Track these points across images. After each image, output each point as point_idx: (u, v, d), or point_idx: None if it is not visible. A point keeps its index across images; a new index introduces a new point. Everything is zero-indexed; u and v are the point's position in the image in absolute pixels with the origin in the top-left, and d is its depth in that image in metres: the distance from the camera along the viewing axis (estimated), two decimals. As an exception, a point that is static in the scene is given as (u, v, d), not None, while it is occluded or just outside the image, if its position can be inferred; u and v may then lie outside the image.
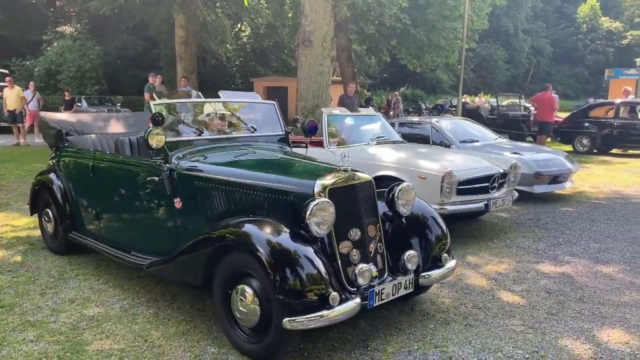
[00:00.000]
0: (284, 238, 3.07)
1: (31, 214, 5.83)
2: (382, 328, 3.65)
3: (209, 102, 4.69)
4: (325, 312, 2.88)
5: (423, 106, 31.62)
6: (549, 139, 14.88)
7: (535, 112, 15.02)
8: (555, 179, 8.11)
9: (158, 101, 4.25)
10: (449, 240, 3.89)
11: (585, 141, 15.15)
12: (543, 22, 59.00)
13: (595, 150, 15.02)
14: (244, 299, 3.12)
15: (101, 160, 4.72)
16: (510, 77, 53.57)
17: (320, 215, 3.11)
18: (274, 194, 3.41)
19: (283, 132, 4.86)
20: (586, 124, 15.13)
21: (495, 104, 18.89)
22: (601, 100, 20.19)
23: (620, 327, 3.70)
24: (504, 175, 6.33)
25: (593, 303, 4.15)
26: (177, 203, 3.85)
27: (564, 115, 17.71)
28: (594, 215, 7.33)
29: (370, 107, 11.60)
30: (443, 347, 3.38)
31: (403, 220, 3.80)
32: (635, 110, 14.77)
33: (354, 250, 3.32)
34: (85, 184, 4.97)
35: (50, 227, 5.39)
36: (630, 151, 15.01)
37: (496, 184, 6.20)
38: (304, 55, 12.52)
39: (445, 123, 8.93)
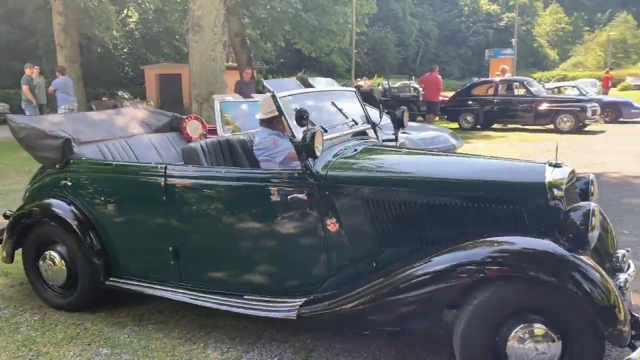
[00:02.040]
0: (575, 259, 2.43)
1: (11, 260, 4.03)
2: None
3: (313, 92, 3.92)
4: None
5: (320, 90, 32.00)
6: (437, 118, 15.71)
7: (423, 92, 15.78)
8: (442, 155, 8.58)
9: (283, 93, 3.31)
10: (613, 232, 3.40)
11: (469, 118, 16.13)
12: (429, 5, 61.74)
13: (478, 126, 16.05)
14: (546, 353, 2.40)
15: (183, 177, 3.39)
16: (401, 60, 55.64)
17: (597, 226, 2.57)
18: (481, 201, 2.78)
19: (369, 124, 4.20)
20: (469, 102, 16.12)
21: (387, 86, 19.57)
22: (482, 79, 21.57)
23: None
24: (393, 154, 6.60)
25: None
26: (332, 225, 3.04)
27: (451, 94, 18.75)
28: (477, 187, 7.84)
29: (268, 93, 11.58)
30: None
31: None
32: (512, 87, 15.97)
33: None
34: (147, 212, 3.57)
35: (60, 276, 3.80)
36: (510, 125, 16.18)
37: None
38: (195, 41, 12.22)
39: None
